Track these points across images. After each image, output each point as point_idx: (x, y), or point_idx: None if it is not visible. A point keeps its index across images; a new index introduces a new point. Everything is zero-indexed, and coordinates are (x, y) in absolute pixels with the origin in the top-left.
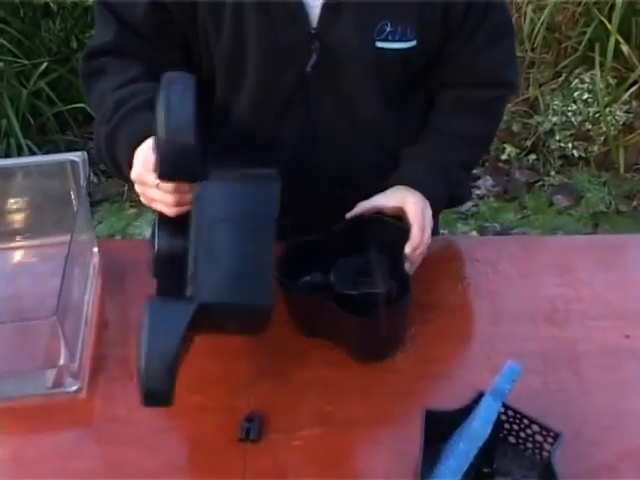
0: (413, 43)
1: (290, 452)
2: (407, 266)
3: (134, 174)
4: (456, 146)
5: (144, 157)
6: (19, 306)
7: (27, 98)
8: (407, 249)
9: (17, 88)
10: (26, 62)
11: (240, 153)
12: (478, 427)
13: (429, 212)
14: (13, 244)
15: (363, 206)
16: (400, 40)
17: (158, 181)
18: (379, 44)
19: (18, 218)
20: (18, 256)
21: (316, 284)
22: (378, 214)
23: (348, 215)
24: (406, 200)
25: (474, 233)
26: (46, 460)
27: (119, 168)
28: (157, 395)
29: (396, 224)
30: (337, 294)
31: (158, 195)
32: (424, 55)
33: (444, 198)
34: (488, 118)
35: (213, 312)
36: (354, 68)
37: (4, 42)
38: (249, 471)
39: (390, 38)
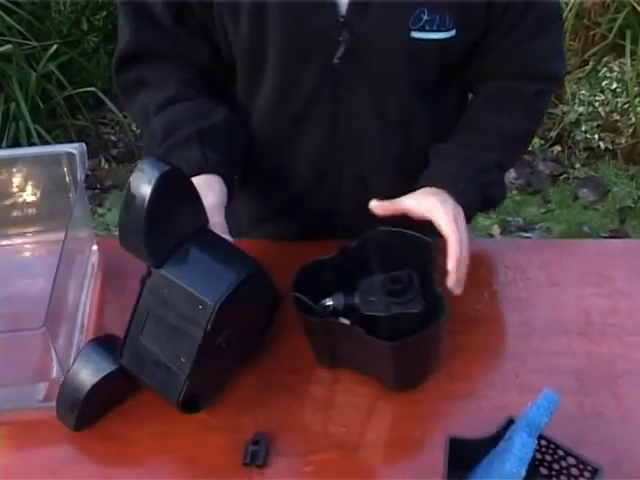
0: (452, 33)
1: (300, 479)
2: (451, 283)
3: None
4: (493, 144)
5: None
6: (11, 310)
7: (37, 81)
8: (450, 265)
9: (26, 71)
10: (35, 44)
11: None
12: (512, 468)
13: (463, 221)
14: (6, 241)
15: (388, 207)
16: (438, 30)
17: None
18: (415, 34)
19: (11, 214)
20: (12, 254)
21: (339, 307)
22: (399, 226)
23: (374, 205)
24: (437, 207)
25: (496, 227)
26: None
27: None
28: (65, 421)
29: (419, 238)
30: (362, 317)
31: None
32: (463, 46)
33: (477, 202)
34: (530, 114)
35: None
36: (386, 60)
37: (13, 23)
38: None
39: (427, 28)
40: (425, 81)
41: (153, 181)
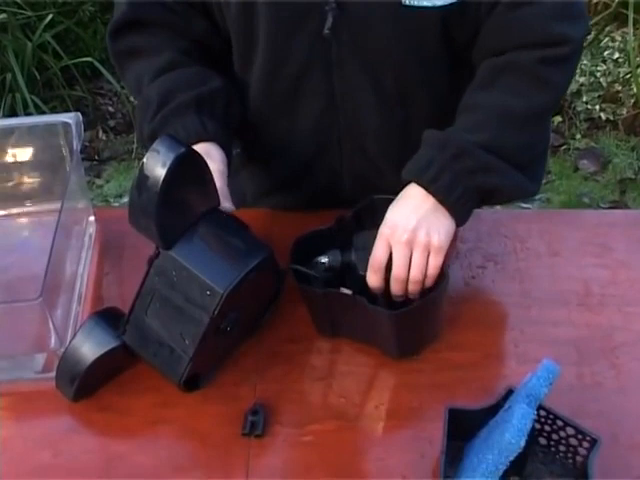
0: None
1: (299, 449)
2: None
3: None
4: (482, 125)
5: None
6: (8, 281)
7: (32, 51)
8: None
9: (22, 41)
10: (31, 13)
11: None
12: (511, 439)
13: (403, 233)
14: (2, 212)
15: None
16: None
17: None
18: (407, 1)
19: (7, 185)
20: (7, 225)
21: (335, 264)
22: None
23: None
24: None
25: None
26: (34, 454)
27: None
28: (63, 392)
29: None
30: (359, 276)
31: None
32: (466, 15)
33: (460, 191)
34: (535, 86)
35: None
36: (378, 30)
37: None
38: (253, 470)
39: None
40: (428, 56)
41: (168, 163)
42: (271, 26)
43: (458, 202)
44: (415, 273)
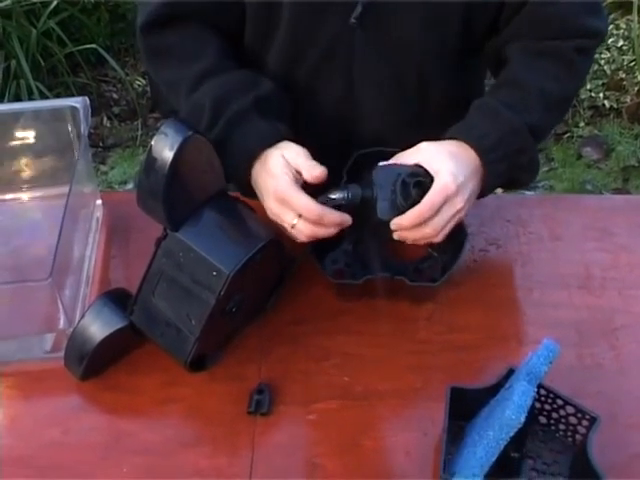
0: None
1: (303, 427)
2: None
3: (273, 187)
4: (533, 105)
5: (280, 172)
6: (18, 263)
7: (37, 38)
8: (393, 224)
9: (26, 28)
10: (35, 0)
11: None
12: (511, 415)
13: (465, 180)
14: (10, 196)
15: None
16: None
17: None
18: None
19: (15, 169)
20: (16, 209)
21: (356, 200)
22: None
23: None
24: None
25: None
26: (43, 431)
27: (229, 174)
28: (72, 371)
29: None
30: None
31: (298, 224)
32: (490, 9)
33: (500, 182)
34: (570, 73)
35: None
36: (406, 20)
37: None
38: (258, 447)
39: None
40: (447, 48)
41: (176, 146)
42: (295, 15)
43: (493, 187)
44: (441, 238)
